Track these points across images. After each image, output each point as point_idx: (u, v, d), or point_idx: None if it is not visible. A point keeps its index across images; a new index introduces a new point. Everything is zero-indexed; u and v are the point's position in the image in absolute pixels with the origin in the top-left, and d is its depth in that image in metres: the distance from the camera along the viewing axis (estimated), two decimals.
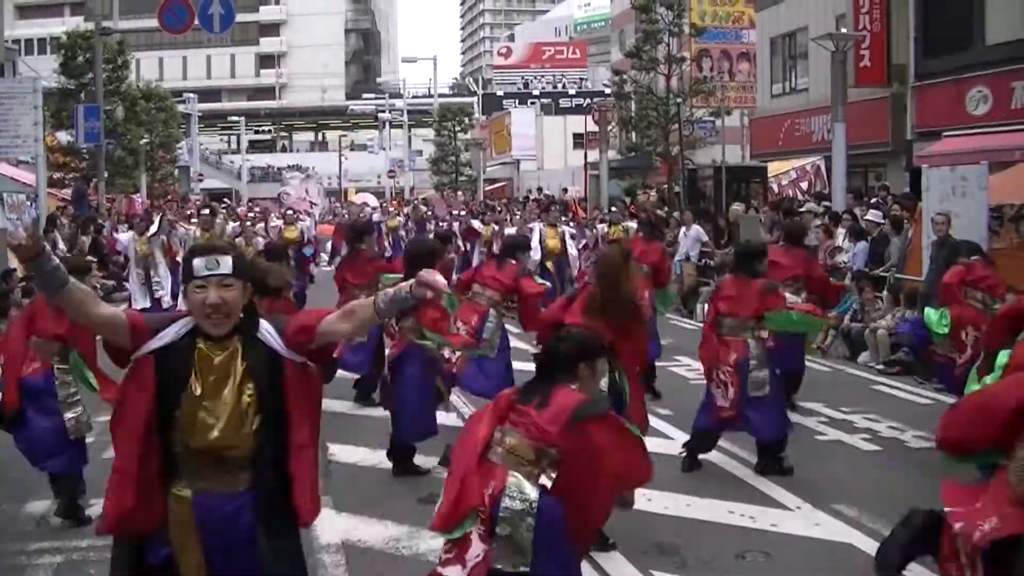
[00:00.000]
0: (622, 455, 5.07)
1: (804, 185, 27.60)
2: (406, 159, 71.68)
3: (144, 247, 17.77)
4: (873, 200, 20.85)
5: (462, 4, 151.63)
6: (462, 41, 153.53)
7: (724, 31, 32.37)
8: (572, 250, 19.77)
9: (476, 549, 4.91)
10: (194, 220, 24.24)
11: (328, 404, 11.61)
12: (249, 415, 4.10)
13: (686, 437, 9.38)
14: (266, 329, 4.20)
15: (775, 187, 28.30)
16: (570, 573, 5.08)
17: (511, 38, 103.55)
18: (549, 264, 19.06)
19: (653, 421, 9.17)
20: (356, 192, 74.98)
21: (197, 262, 4.10)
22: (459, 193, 51.36)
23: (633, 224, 18.25)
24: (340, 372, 11.81)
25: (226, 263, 4.10)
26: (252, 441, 4.11)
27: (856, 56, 24.13)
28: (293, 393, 4.21)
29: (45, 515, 8.10)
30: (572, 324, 6.89)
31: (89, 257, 21.89)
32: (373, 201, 21.92)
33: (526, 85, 76.05)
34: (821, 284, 11.55)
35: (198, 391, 4.05)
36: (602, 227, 20.41)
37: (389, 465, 9.26)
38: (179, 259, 17.00)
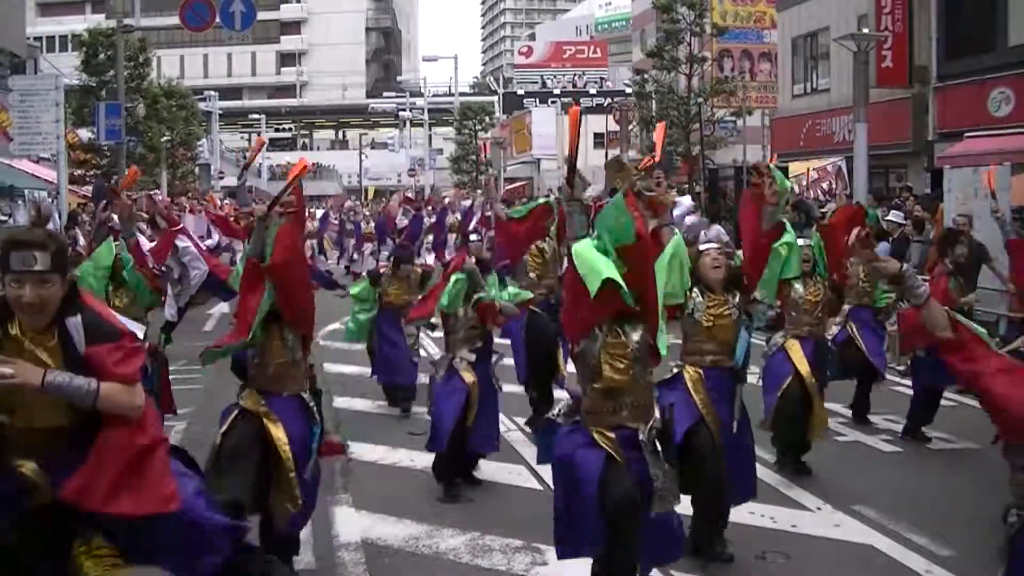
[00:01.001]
0: None
1: (825, 186, 27.53)
2: (426, 157, 71.80)
3: None
4: (894, 201, 20.77)
5: (483, 3, 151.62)
6: (483, 40, 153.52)
7: (745, 31, 32.38)
8: None
9: None
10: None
11: (348, 403, 11.70)
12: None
13: None
14: (75, 325, 4.05)
15: (796, 187, 28.22)
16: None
17: (532, 37, 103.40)
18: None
19: None
20: (374, 191, 75.31)
21: (14, 256, 3.94)
22: (477, 192, 51.38)
23: None
24: (360, 372, 11.87)
25: (44, 260, 3.94)
26: (73, 418, 4.04)
27: (878, 57, 24.01)
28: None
29: None
30: None
31: None
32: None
33: (546, 84, 75.91)
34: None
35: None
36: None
37: (408, 464, 9.26)
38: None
